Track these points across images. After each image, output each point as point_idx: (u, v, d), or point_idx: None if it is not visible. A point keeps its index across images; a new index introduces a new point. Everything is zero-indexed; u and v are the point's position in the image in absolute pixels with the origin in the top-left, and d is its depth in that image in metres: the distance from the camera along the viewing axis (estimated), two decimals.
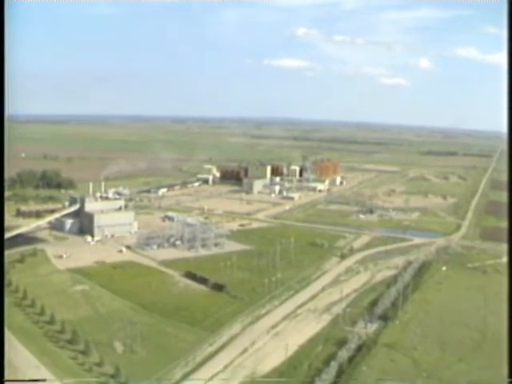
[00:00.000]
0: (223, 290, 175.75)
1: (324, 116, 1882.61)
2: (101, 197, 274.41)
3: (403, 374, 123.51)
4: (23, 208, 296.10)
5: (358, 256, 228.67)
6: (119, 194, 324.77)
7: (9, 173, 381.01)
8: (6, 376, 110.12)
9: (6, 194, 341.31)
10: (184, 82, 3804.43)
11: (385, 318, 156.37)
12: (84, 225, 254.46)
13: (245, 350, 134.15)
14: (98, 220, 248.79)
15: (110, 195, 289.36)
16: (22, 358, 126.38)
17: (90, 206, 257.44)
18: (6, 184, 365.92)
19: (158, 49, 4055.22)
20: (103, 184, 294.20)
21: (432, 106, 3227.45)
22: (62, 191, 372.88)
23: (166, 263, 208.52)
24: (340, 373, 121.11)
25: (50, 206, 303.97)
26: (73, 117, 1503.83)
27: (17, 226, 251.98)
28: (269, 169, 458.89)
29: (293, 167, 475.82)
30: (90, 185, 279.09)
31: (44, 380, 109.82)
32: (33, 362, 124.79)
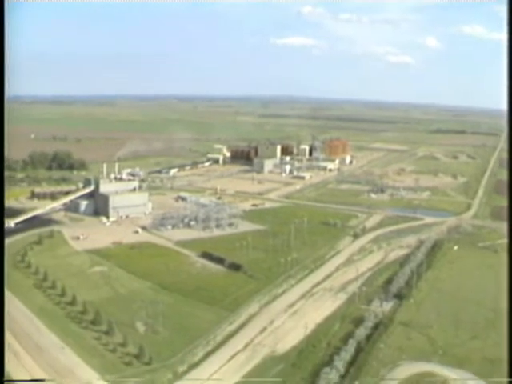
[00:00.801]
0: (240, 270, 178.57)
1: (330, 94, 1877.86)
2: (115, 178, 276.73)
3: (419, 351, 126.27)
4: (37, 190, 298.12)
5: (371, 235, 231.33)
6: (133, 174, 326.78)
7: (20, 154, 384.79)
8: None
9: (19, 175, 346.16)
10: (189, 60, 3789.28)
11: (399, 296, 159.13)
12: (99, 206, 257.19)
13: (264, 329, 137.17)
14: (113, 201, 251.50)
15: (124, 176, 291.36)
16: (46, 339, 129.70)
17: (104, 188, 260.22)
18: (19, 166, 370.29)
19: (164, 27, 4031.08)
20: (117, 165, 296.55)
21: (439, 84, 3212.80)
22: (75, 172, 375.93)
23: (182, 243, 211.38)
24: (358, 350, 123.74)
25: (64, 187, 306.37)
26: (79, 97, 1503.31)
27: (32, 207, 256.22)
28: (279, 148, 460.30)
29: (302, 146, 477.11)
30: (104, 166, 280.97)
31: (44, 380, 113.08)
32: (57, 343, 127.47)
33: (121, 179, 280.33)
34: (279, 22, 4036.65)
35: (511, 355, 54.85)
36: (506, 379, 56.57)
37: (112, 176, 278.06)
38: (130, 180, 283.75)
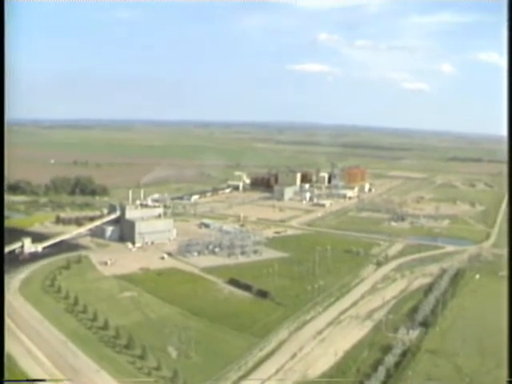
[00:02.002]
0: (267, 297, 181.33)
1: (346, 121, 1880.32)
2: (141, 204, 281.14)
3: (447, 378, 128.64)
4: (62, 215, 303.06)
5: (394, 263, 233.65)
6: (158, 200, 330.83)
7: (42, 179, 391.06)
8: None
9: (42, 200, 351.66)
10: (205, 85, 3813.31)
11: (425, 324, 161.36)
12: (124, 232, 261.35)
13: (294, 355, 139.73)
14: (139, 227, 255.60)
15: (149, 202, 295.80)
16: (81, 363, 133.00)
17: (130, 214, 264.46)
18: (41, 190, 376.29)
19: (181, 53, 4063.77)
20: (142, 191, 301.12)
21: (454, 111, 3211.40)
22: (97, 198, 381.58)
23: (208, 270, 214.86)
24: (388, 377, 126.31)
25: (88, 213, 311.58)
26: (96, 121, 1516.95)
27: (58, 232, 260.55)
28: (299, 176, 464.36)
29: (321, 174, 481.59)
30: (130, 192, 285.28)
31: (44, 380, 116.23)
32: (92, 367, 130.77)
33: (146, 205, 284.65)
34: (295, 48, 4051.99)
35: (511, 355, 55.25)
36: (506, 379, 57.27)
37: (138, 202, 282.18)
38: (155, 206, 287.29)
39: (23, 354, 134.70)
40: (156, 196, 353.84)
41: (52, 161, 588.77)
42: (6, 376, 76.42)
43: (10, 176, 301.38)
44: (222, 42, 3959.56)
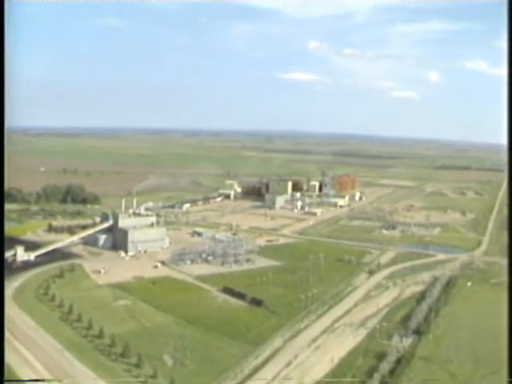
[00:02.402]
0: (261, 305, 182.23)
1: (335, 129, 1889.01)
2: (134, 213, 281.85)
3: None
4: (55, 223, 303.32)
5: (386, 272, 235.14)
6: (150, 209, 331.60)
7: (33, 187, 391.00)
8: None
9: (34, 208, 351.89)
10: (194, 94, 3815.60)
11: (418, 332, 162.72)
12: (117, 240, 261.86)
13: (289, 363, 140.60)
14: (132, 236, 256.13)
15: (142, 211, 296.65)
16: (78, 371, 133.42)
17: (123, 222, 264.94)
18: (32, 198, 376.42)
19: (168, 62, 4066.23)
20: (135, 200, 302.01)
21: (442, 119, 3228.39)
22: (88, 206, 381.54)
23: (202, 278, 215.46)
24: None
25: (80, 221, 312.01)
26: (83, 129, 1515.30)
27: (50, 241, 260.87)
28: (290, 184, 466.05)
29: (312, 183, 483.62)
30: (123, 201, 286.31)
31: (43, 380, 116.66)
32: (89, 375, 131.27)
33: (139, 214, 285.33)
34: (284, 56, 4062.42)
35: (511, 355, 56.48)
36: (506, 379, 57.69)
37: (131, 211, 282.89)
38: (147, 215, 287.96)
39: (20, 363, 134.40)
40: (150, 204, 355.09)
41: (42, 169, 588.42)
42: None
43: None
44: (210, 50, 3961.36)
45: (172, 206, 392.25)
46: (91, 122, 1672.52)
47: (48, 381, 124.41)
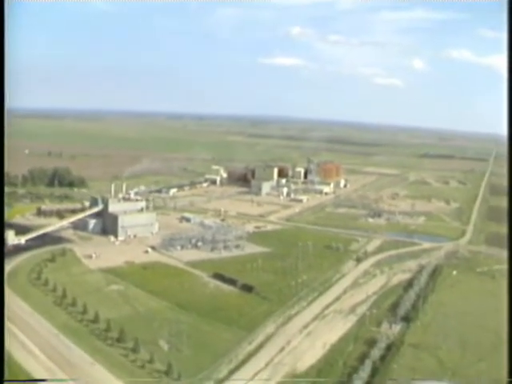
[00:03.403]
0: (252, 291, 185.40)
1: (318, 115, 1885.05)
2: (123, 198, 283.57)
3: (430, 372, 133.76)
4: (43, 207, 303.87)
5: (373, 259, 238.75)
6: (138, 193, 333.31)
7: (18, 170, 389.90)
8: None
9: (20, 191, 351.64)
10: (177, 77, 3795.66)
11: (407, 319, 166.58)
12: (107, 225, 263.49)
13: (282, 349, 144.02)
14: (122, 221, 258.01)
15: (132, 196, 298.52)
16: (75, 356, 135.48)
17: (113, 207, 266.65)
18: (19, 181, 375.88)
19: (153, 45, 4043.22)
20: (124, 185, 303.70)
21: (426, 107, 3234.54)
22: (75, 190, 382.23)
23: (193, 264, 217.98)
24: (374, 370, 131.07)
25: (69, 205, 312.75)
26: (69, 111, 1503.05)
27: (40, 225, 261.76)
28: (275, 171, 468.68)
29: (297, 169, 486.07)
30: (112, 186, 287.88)
31: (43, 380, 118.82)
32: (86, 359, 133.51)
33: (128, 199, 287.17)
34: (268, 42, 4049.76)
35: (511, 355, 57.45)
36: (506, 379, 58.88)
37: (120, 195, 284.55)
38: (137, 200, 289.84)
39: (17, 347, 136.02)
40: (142, 188, 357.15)
41: (26, 151, 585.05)
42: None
43: None
44: (194, 34, 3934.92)
45: (159, 191, 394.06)
46: (74, 104, 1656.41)
47: (48, 381, 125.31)
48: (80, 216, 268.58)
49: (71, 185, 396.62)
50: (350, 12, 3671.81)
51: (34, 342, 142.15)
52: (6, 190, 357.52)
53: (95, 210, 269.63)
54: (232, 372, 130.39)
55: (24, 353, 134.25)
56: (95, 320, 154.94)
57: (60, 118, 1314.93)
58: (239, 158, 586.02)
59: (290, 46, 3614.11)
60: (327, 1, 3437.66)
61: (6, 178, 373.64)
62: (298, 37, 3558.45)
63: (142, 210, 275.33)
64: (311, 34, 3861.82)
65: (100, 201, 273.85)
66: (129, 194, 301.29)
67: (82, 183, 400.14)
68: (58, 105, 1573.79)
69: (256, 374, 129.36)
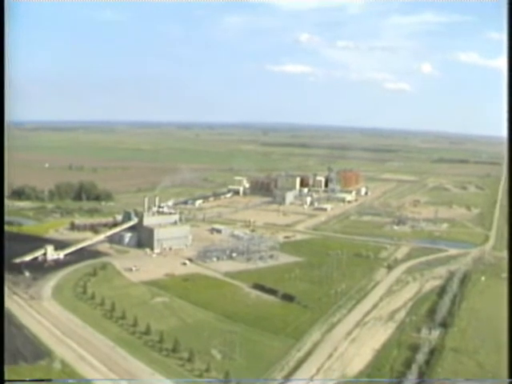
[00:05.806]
0: (293, 301, 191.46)
1: (328, 122, 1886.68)
2: (158, 211, 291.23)
3: (472, 374, 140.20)
4: (77, 221, 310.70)
5: (403, 267, 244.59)
6: (168, 206, 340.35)
7: (43, 184, 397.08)
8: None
9: (49, 206, 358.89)
10: (186, 86, 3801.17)
11: (444, 324, 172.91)
12: (142, 238, 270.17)
13: (330, 355, 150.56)
14: (158, 234, 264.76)
15: (166, 209, 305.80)
16: (135, 367, 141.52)
17: (148, 220, 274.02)
18: (45, 196, 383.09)
19: (160, 53, 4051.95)
20: (157, 198, 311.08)
21: (436, 111, 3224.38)
22: (103, 203, 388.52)
23: (231, 275, 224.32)
24: (420, 374, 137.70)
25: (101, 219, 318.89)
26: (78, 123, 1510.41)
27: (76, 239, 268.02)
28: (298, 180, 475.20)
29: (318, 178, 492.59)
30: (146, 200, 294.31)
31: (43, 380, 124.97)
32: (146, 370, 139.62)
33: (162, 212, 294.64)
34: (276, 49, 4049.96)
35: (511, 355, 61.20)
36: (506, 379, 63.19)
37: (154, 209, 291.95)
38: (170, 213, 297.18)
39: (77, 360, 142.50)
40: (171, 201, 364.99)
41: (46, 165, 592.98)
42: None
43: (10, 181, 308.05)
44: (202, 42, 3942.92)
45: (185, 203, 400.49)
46: (85, 116, 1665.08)
47: (49, 381, 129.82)
48: (116, 230, 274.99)
49: (98, 198, 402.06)
50: (358, 17, 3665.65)
51: (92, 354, 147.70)
52: (35, 205, 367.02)
53: (131, 223, 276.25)
54: (286, 378, 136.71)
55: (85, 366, 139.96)
56: (147, 332, 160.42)
57: (71, 129, 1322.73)
58: (257, 167, 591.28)
59: (298, 52, 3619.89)
60: (335, 6, 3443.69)
61: (32, 193, 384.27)
62: (307, 43, 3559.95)
63: (175, 222, 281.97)
64: (320, 40, 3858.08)
65: (133, 214, 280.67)
66: (162, 206, 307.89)
67: (108, 197, 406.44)
68: (67, 117, 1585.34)
69: (311, 378, 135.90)
